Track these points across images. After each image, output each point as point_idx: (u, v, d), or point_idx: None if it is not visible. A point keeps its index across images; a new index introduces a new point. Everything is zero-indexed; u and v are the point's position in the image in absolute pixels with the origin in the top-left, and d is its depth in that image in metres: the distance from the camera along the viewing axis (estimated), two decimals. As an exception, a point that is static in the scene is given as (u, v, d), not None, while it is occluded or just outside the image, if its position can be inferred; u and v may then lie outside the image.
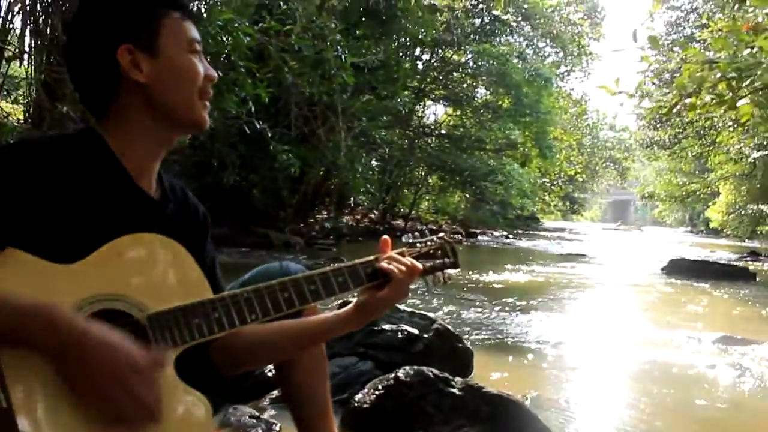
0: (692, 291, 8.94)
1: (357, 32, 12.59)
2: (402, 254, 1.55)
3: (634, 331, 5.66)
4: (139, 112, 1.38)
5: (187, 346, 1.32)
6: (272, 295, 1.39)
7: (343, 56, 7.74)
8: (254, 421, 2.67)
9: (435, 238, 1.64)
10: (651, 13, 20.33)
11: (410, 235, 1.63)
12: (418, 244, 1.61)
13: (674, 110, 4.31)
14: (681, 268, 11.15)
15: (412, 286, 1.52)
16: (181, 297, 1.29)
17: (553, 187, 37.41)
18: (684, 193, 33.75)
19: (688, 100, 4.27)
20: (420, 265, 1.53)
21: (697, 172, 33.02)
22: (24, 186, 1.22)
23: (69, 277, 1.23)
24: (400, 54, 18.84)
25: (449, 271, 1.62)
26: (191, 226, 1.55)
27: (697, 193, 32.68)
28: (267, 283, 1.40)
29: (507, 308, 6.40)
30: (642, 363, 4.49)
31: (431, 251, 1.61)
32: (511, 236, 23.35)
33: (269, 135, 8.10)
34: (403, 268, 1.48)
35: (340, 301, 2.69)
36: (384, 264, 1.49)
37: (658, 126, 27.92)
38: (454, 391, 2.70)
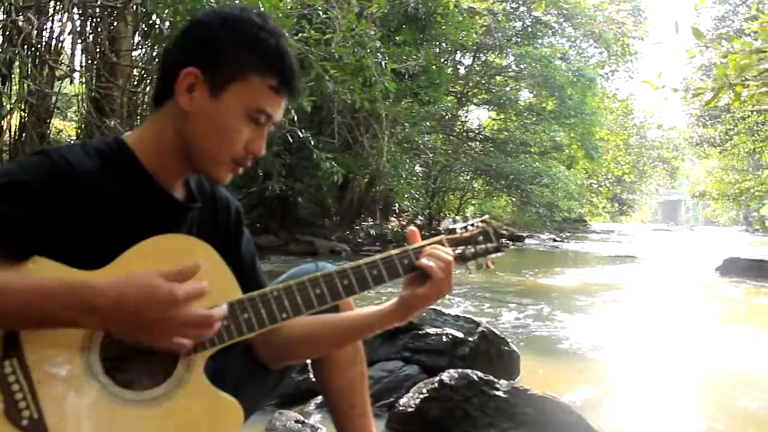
0: (749, 290, 8.70)
1: (397, 38, 12.57)
2: (441, 243, 1.48)
3: (687, 332, 5.52)
4: (170, 132, 1.37)
5: (217, 349, 1.31)
6: (303, 291, 1.35)
7: (383, 63, 7.71)
8: (300, 425, 2.67)
9: (477, 223, 1.55)
10: (696, 8, 19.88)
11: (451, 220, 1.55)
12: (458, 230, 1.53)
13: (718, 101, 4.17)
14: (736, 268, 10.83)
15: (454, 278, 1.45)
16: (211, 297, 1.24)
17: (600, 188, 36.80)
18: (737, 191, 32.92)
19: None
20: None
21: (750, 169, 32.18)
22: (47, 197, 1.22)
23: None
24: (442, 59, 18.76)
25: (493, 255, 1.53)
26: (222, 224, 1.54)
27: (752, 190, 31.82)
28: (298, 280, 1.36)
29: (555, 311, 6.31)
30: (696, 365, 4.38)
31: (473, 236, 1.52)
32: (558, 239, 23.09)
33: (312, 143, 8.11)
34: (443, 264, 1.42)
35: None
36: (424, 261, 1.42)
37: (707, 123, 27.34)
38: (499, 394, 2.67)
